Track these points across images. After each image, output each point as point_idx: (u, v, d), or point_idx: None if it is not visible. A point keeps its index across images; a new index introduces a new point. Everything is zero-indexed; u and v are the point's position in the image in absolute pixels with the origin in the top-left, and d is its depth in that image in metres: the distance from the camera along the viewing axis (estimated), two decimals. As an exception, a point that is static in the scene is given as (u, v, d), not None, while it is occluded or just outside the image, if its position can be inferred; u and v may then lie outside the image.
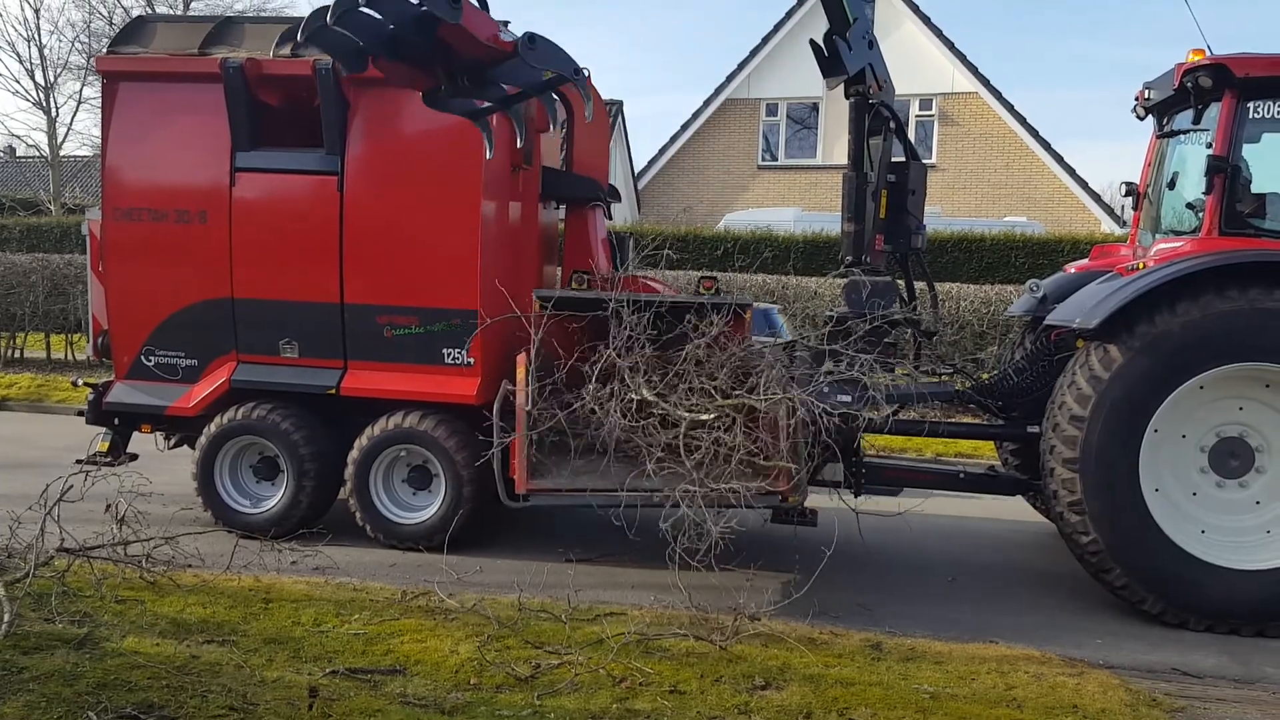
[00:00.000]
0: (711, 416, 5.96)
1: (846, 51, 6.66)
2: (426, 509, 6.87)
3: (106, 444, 7.34)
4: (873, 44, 6.83)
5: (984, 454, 10.45)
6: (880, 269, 7.07)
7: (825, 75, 6.86)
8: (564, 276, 7.61)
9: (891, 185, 6.93)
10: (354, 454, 6.86)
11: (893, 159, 6.99)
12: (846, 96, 6.95)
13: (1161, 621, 5.98)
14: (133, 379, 7.20)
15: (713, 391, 6.09)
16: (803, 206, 21.75)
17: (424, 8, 4.74)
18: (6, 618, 4.71)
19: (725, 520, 5.56)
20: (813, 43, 6.88)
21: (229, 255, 6.88)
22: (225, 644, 4.80)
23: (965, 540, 8.01)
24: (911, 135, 7.33)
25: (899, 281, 7.27)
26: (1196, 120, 6.37)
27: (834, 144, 23.87)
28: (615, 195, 8.01)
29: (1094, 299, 6.09)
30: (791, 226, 17.92)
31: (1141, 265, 6.15)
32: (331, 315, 6.85)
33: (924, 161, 7.15)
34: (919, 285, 7.62)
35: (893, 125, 6.95)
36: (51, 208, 25.32)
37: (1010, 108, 23.50)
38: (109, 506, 5.82)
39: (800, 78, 22.60)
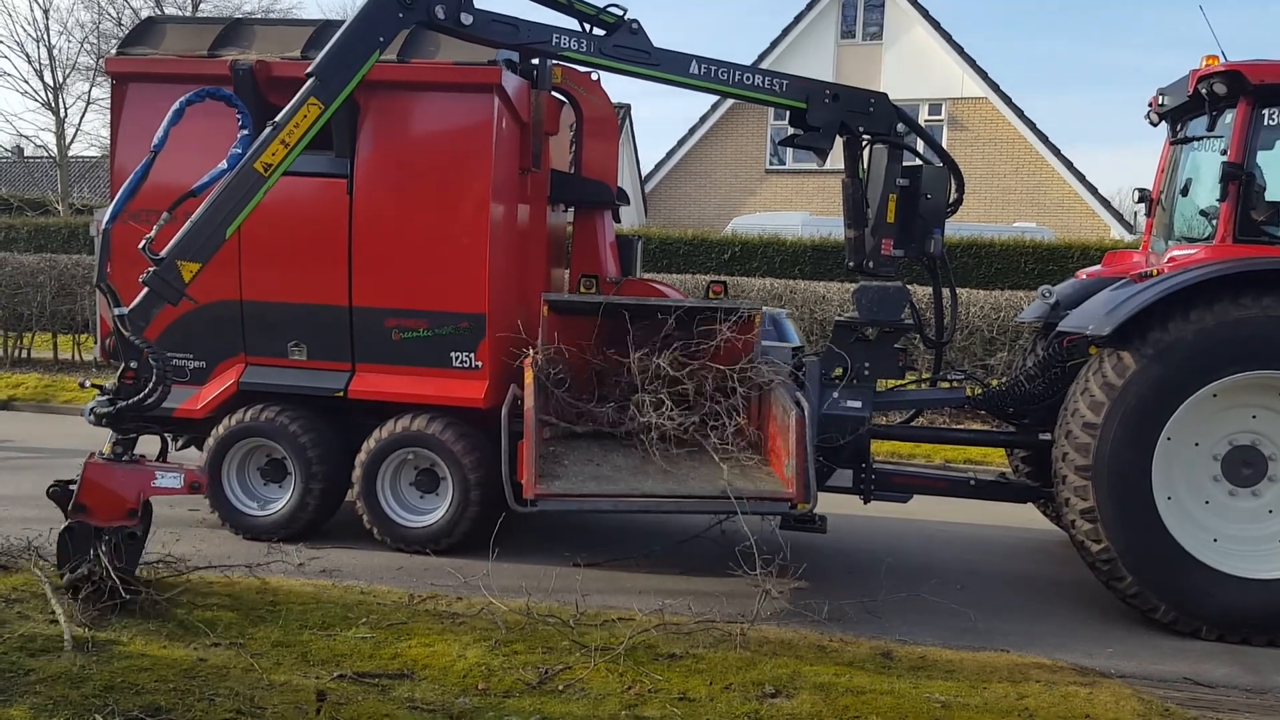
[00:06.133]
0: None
1: (816, 139, 6.88)
2: (433, 512, 6.86)
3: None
4: (837, 96, 6.88)
5: (994, 461, 10.40)
6: (890, 274, 7.03)
7: (817, 155, 7.11)
8: (572, 280, 7.60)
9: (903, 190, 6.91)
10: (361, 457, 6.85)
11: (904, 164, 6.97)
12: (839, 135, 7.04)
13: (1173, 630, 5.94)
14: (140, 380, 7.18)
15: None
16: (810, 211, 21.72)
17: None
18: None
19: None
20: (783, 142, 7.08)
21: (238, 257, 6.86)
22: (232, 647, 4.78)
23: (975, 548, 7.97)
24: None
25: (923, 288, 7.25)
26: (1210, 127, 6.35)
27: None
28: (624, 198, 7.99)
29: (1107, 306, 6.06)
30: (799, 231, 17.88)
31: (1155, 272, 6.12)
32: (340, 318, 6.84)
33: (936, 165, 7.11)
34: (943, 292, 7.55)
35: (901, 129, 6.94)
36: (59, 208, 25.38)
37: (1020, 113, 23.46)
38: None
39: (808, 82, 22.55)
